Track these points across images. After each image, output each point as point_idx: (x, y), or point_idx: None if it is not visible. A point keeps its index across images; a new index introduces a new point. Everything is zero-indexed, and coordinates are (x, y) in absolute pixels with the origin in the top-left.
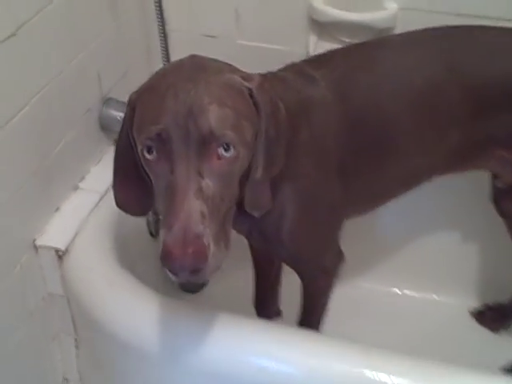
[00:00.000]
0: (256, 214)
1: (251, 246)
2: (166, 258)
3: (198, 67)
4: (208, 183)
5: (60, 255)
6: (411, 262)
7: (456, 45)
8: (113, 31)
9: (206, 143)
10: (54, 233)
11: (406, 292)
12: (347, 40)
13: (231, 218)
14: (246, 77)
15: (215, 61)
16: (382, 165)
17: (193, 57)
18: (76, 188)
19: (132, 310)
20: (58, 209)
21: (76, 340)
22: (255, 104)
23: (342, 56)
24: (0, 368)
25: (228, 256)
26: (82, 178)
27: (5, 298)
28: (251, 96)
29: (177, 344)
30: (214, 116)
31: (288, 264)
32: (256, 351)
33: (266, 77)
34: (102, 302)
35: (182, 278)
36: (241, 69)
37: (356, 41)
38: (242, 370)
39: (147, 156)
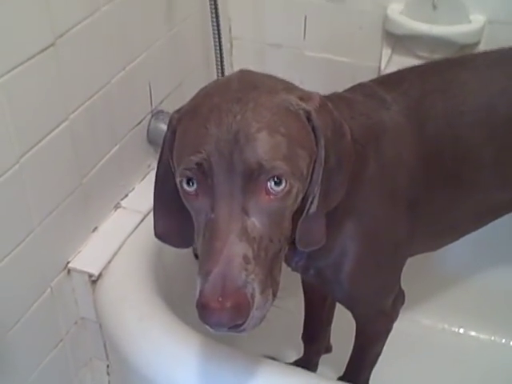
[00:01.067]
0: (306, 250)
1: (303, 279)
2: (202, 310)
3: (247, 85)
4: (254, 222)
5: (93, 280)
6: (477, 301)
7: None
8: (167, 41)
9: (252, 177)
10: (89, 255)
11: (470, 333)
12: (425, 55)
13: (282, 260)
14: (304, 97)
15: (268, 77)
16: (456, 200)
17: (242, 72)
18: (118, 207)
19: (160, 347)
20: (95, 229)
21: (108, 366)
22: (314, 129)
23: (417, 77)
24: None
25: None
26: (125, 196)
27: (35, 320)
28: (309, 119)
29: None
30: (264, 146)
31: (344, 305)
32: None
33: (330, 98)
34: (130, 335)
35: (219, 331)
36: (301, 86)
37: (435, 56)
38: None
39: (186, 188)
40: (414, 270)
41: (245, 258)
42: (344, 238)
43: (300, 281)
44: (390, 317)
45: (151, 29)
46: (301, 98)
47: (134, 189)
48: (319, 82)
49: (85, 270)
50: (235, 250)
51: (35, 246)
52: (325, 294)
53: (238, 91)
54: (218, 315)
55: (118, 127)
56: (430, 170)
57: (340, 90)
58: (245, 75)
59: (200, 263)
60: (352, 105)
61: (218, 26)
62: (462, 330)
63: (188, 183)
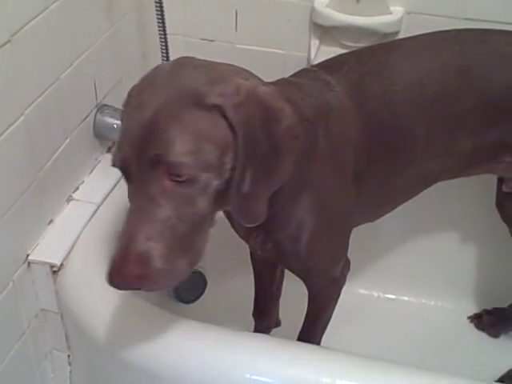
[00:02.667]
0: (248, 225)
1: (252, 255)
2: (109, 278)
3: (170, 78)
4: (161, 205)
5: (54, 271)
6: (408, 267)
7: (468, 49)
8: (108, 37)
9: (156, 168)
10: (48, 247)
11: (403, 298)
12: (350, 44)
13: (205, 233)
14: (226, 92)
15: (199, 68)
16: (394, 171)
17: (177, 62)
18: (70, 199)
19: (129, 326)
20: (51, 221)
21: (69, 357)
22: (230, 124)
23: (355, 60)
24: None
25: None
26: (76, 189)
27: None
28: (225, 116)
29: (172, 360)
30: (168, 144)
31: (298, 275)
32: (259, 368)
33: (279, 82)
34: (98, 319)
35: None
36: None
37: (360, 45)
38: None
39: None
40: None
41: (147, 236)
42: (300, 211)
43: (249, 259)
44: (339, 283)
45: (94, 26)
46: (221, 94)
47: (83, 182)
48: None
49: (46, 260)
50: (138, 230)
51: None
52: (275, 268)
53: (159, 86)
54: (116, 281)
55: (67, 121)
56: (372, 144)
57: (272, 79)
58: (176, 66)
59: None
60: (301, 88)
61: (163, 20)
62: (394, 296)
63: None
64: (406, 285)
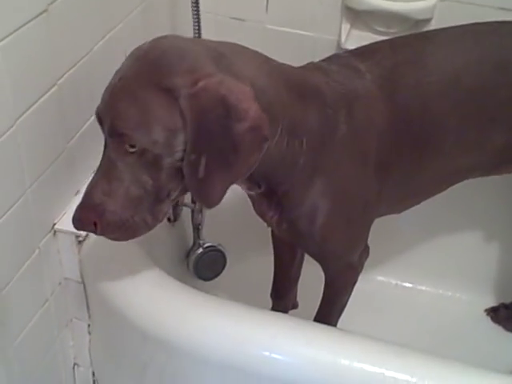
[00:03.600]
0: (205, 207)
1: (273, 236)
2: (71, 218)
3: (147, 56)
4: (118, 167)
5: (80, 240)
6: (427, 257)
7: (506, 42)
8: (141, 11)
9: (112, 136)
10: None
11: (421, 287)
12: (382, 29)
13: (161, 202)
14: (190, 80)
15: (174, 50)
16: (422, 164)
17: (159, 41)
18: None
19: (151, 298)
20: (78, 192)
21: (89, 326)
22: (181, 112)
23: (389, 48)
24: (16, 351)
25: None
26: None
27: (24, 282)
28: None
29: (192, 334)
30: (119, 114)
31: (315, 258)
32: (278, 347)
33: (307, 67)
34: (121, 289)
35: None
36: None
37: (392, 31)
38: (259, 364)
39: None
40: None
41: (102, 191)
42: (315, 192)
43: (270, 240)
44: (356, 269)
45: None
46: (178, 80)
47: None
48: (281, 55)
49: (71, 230)
50: (99, 184)
51: (26, 208)
52: (295, 250)
53: (133, 59)
54: (75, 222)
55: (97, 93)
56: (399, 135)
57: (301, 62)
58: (156, 45)
59: None
60: (327, 73)
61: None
62: (411, 285)
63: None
64: (424, 274)
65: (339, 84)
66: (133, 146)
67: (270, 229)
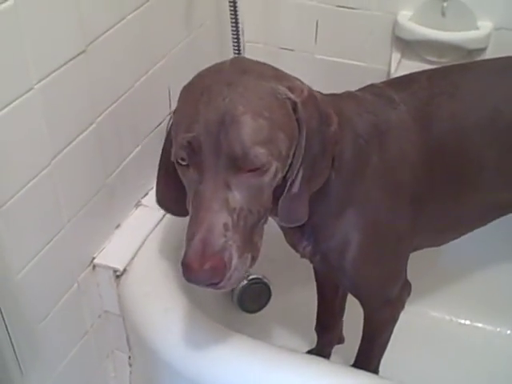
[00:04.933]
0: (289, 225)
1: (315, 269)
2: (185, 269)
3: (239, 70)
4: (235, 195)
5: (118, 275)
6: (485, 292)
7: None
8: (186, 45)
9: (235, 159)
10: (114, 251)
11: (477, 324)
12: (433, 59)
13: (262, 229)
14: (293, 88)
15: (261, 64)
16: (460, 197)
17: (235, 59)
18: (138, 204)
19: (184, 337)
20: (118, 226)
21: (130, 358)
22: (297, 119)
23: (426, 79)
24: (55, 383)
25: (253, 266)
26: (146, 194)
27: (63, 314)
28: (294, 110)
29: (227, 376)
30: (247, 129)
31: (350, 292)
32: None
33: (342, 96)
34: (155, 327)
35: (200, 286)
36: (296, 77)
37: (443, 61)
38: None
39: (180, 162)
40: (422, 264)
41: (225, 225)
42: (346, 224)
43: (313, 272)
44: (395, 306)
45: (171, 35)
46: (289, 89)
47: (153, 187)
48: (330, 85)
49: (110, 265)
50: (216, 218)
51: (64, 243)
52: (335, 283)
53: (229, 75)
54: (196, 274)
55: (139, 129)
56: (433, 168)
57: None
58: (237, 61)
59: (187, 228)
60: (361, 102)
61: (237, 29)
62: (468, 322)
63: (182, 158)
64: (481, 311)
65: (372, 114)
66: (258, 164)
67: None
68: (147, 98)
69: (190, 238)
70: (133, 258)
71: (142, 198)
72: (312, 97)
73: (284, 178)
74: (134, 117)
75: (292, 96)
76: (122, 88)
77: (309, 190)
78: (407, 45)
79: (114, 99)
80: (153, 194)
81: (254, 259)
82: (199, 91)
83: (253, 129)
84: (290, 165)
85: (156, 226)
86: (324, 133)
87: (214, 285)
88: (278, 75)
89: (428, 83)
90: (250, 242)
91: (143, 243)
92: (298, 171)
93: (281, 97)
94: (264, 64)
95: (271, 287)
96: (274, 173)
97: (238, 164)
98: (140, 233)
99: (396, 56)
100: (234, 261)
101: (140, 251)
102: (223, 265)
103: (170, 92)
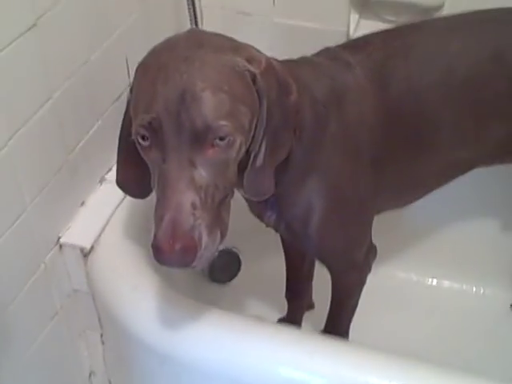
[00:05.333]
0: (255, 199)
1: (282, 237)
2: (156, 252)
3: (195, 44)
4: (201, 173)
5: (85, 254)
6: (451, 252)
7: (504, 31)
8: (141, 13)
9: (199, 135)
10: (80, 229)
11: (445, 283)
12: (392, 19)
13: (229, 204)
14: (251, 59)
15: (218, 36)
16: (419, 158)
17: (190, 31)
18: (102, 180)
19: (154, 313)
20: (83, 203)
21: (102, 336)
22: (257, 91)
23: (381, 41)
24: (27, 365)
25: (223, 242)
26: (109, 170)
27: (31, 296)
28: (254, 81)
29: (198, 350)
30: (208, 105)
31: (317, 258)
32: (283, 361)
33: (297, 61)
34: (124, 303)
35: (171, 267)
36: (269, 53)
37: (401, 20)
38: (267, 380)
39: (141, 142)
40: (386, 225)
41: (193, 204)
42: (309, 192)
43: (280, 240)
44: (362, 270)
45: (124, 3)
46: (247, 60)
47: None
48: (289, 49)
49: (76, 243)
50: (184, 198)
51: (28, 224)
52: (302, 250)
53: (185, 50)
54: (168, 256)
55: (99, 103)
56: (392, 129)
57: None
58: (193, 34)
59: (155, 209)
60: (317, 67)
61: None
62: (434, 281)
63: (142, 139)
64: (447, 270)
65: (329, 78)
66: (222, 139)
67: None
68: (104, 70)
69: (159, 219)
70: (99, 236)
71: (106, 173)
72: (271, 67)
73: (247, 152)
74: (92, 90)
75: (251, 68)
76: (78, 61)
77: (273, 162)
78: (365, 4)
79: (70, 73)
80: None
81: (222, 235)
82: (155, 68)
83: (214, 104)
84: (253, 137)
85: (122, 201)
86: (284, 103)
87: (185, 265)
88: (236, 46)
89: (382, 44)
90: (218, 219)
91: (109, 220)
92: (261, 144)
93: (240, 69)
94: (220, 35)
95: (240, 257)
96: (238, 147)
97: (202, 141)
98: (106, 209)
99: (354, 17)
100: (204, 239)
101: (106, 228)
102: (194, 245)
103: (127, 62)
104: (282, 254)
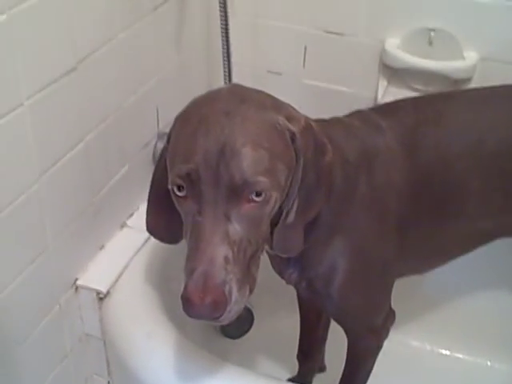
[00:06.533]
0: (283, 255)
1: (299, 297)
2: (186, 303)
3: (237, 99)
4: (236, 227)
5: (101, 297)
6: (465, 323)
7: None
8: (175, 65)
9: (237, 189)
10: (97, 272)
11: (458, 355)
12: (419, 87)
13: (259, 259)
14: (291, 117)
15: (259, 93)
16: (444, 224)
17: (232, 86)
18: (123, 226)
19: (167, 363)
20: (102, 247)
21: (109, 383)
22: (295, 149)
23: (412, 107)
24: None
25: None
26: (131, 215)
27: (43, 337)
28: (292, 140)
29: None
30: (248, 160)
31: (335, 320)
32: None
33: (329, 121)
34: (138, 351)
35: (200, 320)
36: (292, 106)
37: (429, 89)
38: None
39: (177, 193)
40: (403, 292)
41: (225, 258)
42: (333, 252)
43: (296, 300)
44: (379, 334)
45: (161, 55)
46: (287, 119)
47: (138, 208)
48: (317, 110)
49: (93, 287)
50: (217, 252)
51: (48, 263)
52: (319, 310)
53: (227, 104)
54: (198, 309)
55: (127, 148)
56: (419, 195)
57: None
58: (235, 89)
59: (186, 260)
60: (349, 129)
61: (228, 52)
62: (448, 352)
63: (178, 189)
64: (462, 341)
65: (359, 140)
66: (259, 194)
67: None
68: (135, 117)
69: (191, 271)
70: (116, 281)
71: (128, 219)
72: (309, 126)
73: (279, 208)
74: (121, 136)
75: (290, 126)
76: (111, 106)
77: (303, 219)
78: (394, 72)
79: (103, 118)
80: (138, 214)
81: (251, 290)
82: (196, 120)
83: (253, 160)
84: (287, 195)
85: (141, 248)
86: (319, 162)
87: (214, 319)
88: (276, 105)
89: (414, 110)
90: (248, 273)
91: (127, 265)
92: (294, 201)
93: (280, 127)
94: (261, 92)
95: (254, 312)
96: (273, 203)
97: (239, 195)
98: (124, 255)
99: (383, 83)
100: (234, 294)
101: (124, 274)
102: (225, 299)
103: (157, 112)
104: (296, 312)
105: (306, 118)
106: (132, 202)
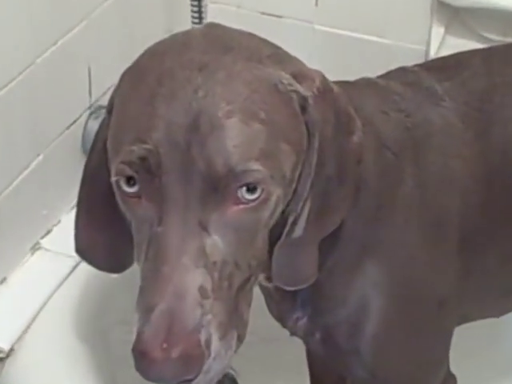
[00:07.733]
0: (287, 288)
1: (309, 355)
2: (140, 359)
3: (217, 45)
4: (216, 241)
5: (1, 357)
6: None
7: None
8: (114, 2)
9: (218, 183)
10: None
11: None
12: (492, 37)
13: (251, 292)
14: (301, 75)
15: (251, 37)
16: None
17: (211, 27)
18: (36, 248)
19: None
20: (4, 280)
21: None
22: (307, 123)
23: (482, 63)
24: None
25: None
26: (47, 233)
27: None
28: (303, 108)
29: None
30: (234, 139)
31: None
32: None
33: (356, 84)
34: None
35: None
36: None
37: (501, 38)
38: None
39: (125, 189)
40: (471, 344)
41: (201, 289)
42: (364, 285)
43: (305, 360)
44: None
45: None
46: (294, 77)
47: (60, 221)
48: (336, 69)
49: None
50: (189, 279)
51: None
52: (340, 375)
53: (201, 53)
54: (159, 367)
55: (42, 129)
56: (494, 195)
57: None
58: (213, 30)
59: (140, 293)
60: (386, 96)
61: None
62: None
63: (128, 182)
64: None
65: (403, 113)
66: (251, 190)
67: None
68: (55, 81)
69: (147, 310)
70: (24, 333)
71: (42, 237)
72: (327, 89)
73: (282, 213)
74: (33, 109)
75: (300, 88)
76: (18, 64)
77: (319, 233)
78: (454, 14)
79: (5, 81)
80: (60, 230)
81: (240, 339)
82: (154, 79)
83: (243, 137)
84: (294, 192)
85: (63, 281)
86: (343, 146)
87: (185, 382)
88: (278, 55)
89: (485, 69)
90: (236, 314)
91: (41, 309)
92: (305, 204)
93: (284, 89)
94: (254, 36)
95: (238, 380)
96: (273, 204)
97: (221, 191)
98: (36, 293)
99: (438, 31)
100: (215, 344)
101: (35, 322)
102: (200, 351)
103: (89, 73)
104: (305, 379)
105: (325, 78)
106: (50, 211)
